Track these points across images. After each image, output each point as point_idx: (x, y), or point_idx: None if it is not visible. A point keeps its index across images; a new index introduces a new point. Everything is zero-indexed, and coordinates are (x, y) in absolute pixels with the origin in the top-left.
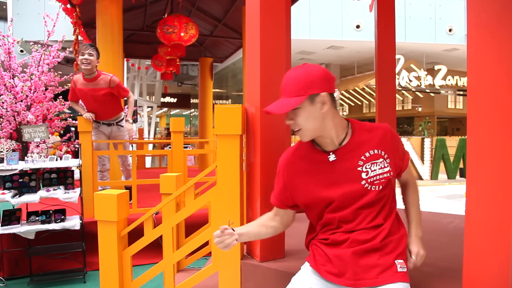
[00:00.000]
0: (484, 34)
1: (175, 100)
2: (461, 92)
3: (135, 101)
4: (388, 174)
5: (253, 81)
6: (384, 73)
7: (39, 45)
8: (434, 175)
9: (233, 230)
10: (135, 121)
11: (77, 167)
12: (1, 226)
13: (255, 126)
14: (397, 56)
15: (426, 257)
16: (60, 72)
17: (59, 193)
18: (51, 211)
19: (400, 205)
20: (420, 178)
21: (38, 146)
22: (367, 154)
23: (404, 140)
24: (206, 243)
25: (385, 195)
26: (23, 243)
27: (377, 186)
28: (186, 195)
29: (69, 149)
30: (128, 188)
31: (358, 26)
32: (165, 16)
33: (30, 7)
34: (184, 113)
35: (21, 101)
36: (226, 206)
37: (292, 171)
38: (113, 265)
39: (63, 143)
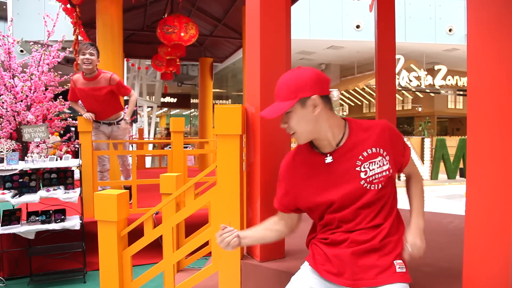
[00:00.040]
0: (484, 34)
1: (175, 100)
2: (461, 92)
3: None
4: (387, 172)
5: (253, 81)
6: (384, 73)
7: (39, 45)
8: (434, 175)
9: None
10: (135, 121)
11: (77, 167)
12: (1, 226)
13: (255, 126)
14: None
15: (426, 257)
16: (60, 72)
17: (59, 193)
18: (51, 211)
19: (401, 205)
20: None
21: (38, 146)
22: (365, 154)
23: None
24: (206, 243)
25: (385, 195)
26: (23, 243)
27: (376, 185)
28: (186, 195)
29: (69, 149)
30: (127, 188)
31: (358, 26)
32: (165, 16)
33: (30, 7)
34: (184, 113)
35: (21, 101)
36: (226, 206)
37: (292, 176)
38: (113, 265)
39: (63, 143)
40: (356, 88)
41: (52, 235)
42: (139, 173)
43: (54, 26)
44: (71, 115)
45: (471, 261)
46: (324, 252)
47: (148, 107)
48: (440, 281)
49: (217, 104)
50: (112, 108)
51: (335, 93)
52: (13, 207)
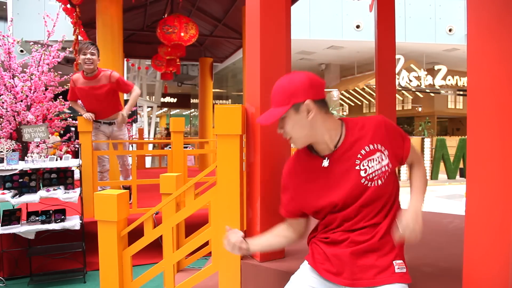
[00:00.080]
0: (484, 34)
1: (175, 100)
2: (461, 92)
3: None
4: (387, 168)
5: (253, 81)
6: (384, 73)
7: (39, 45)
8: (434, 175)
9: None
10: (134, 121)
11: (77, 167)
12: (1, 226)
13: (255, 126)
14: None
15: (426, 257)
16: (60, 72)
17: (59, 193)
18: (51, 211)
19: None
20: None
21: (38, 146)
22: (363, 152)
23: None
24: (206, 243)
25: (386, 192)
26: (23, 243)
27: (376, 182)
28: (186, 195)
29: (69, 149)
30: (126, 188)
31: (358, 26)
32: (165, 16)
33: (30, 7)
34: (184, 113)
35: (21, 101)
36: (226, 206)
37: (294, 182)
38: (113, 265)
39: (63, 143)
40: (356, 88)
41: (52, 235)
42: (139, 173)
43: (54, 26)
44: (71, 115)
45: (471, 261)
46: (323, 251)
47: (148, 107)
48: (440, 281)
49: (217, 104)
50: (113, 107)
51: (335, 93)
52: (13, 207)
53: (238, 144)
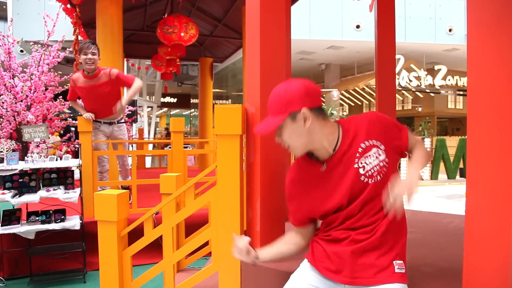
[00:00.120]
0: (484, 34)
1: (175, 100)
2: (461, 92)
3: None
4: (384, 163)
5: (253, 81)
6: (384, 73)
7: (39, 45)
8: (434, 175)
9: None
10: (134, 121)
11: (77, 167)
12: (1, 226)
13: (255, 126)
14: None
15: (426, 257)
16: (60, 72)
17: (59, 193)
18: (51, 211)
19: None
20: (420, 178)
21: (38, 146)
22: (360, 150)
23: None
24: (206, 243)
25: (386, 188)
26: (23, 243)
27: (375, 178)
28: (186, 195)
29: (69, 149)
30: (125, 188)
31: (358, 26)
32: (165, 16)
33: (30, 7)
34: (184, 113)
35: (21, 101)
36: (226, 206)
37: (298, 191)
38: (113, 265)
39: (63, 143)
40: (356, 88)
41: (52, 235)
42: (139, 173)
43: (54, 26)
44: (71, 115)
45: (471, 261)
46: (324, 249)
47: (148, 107)
48: (440, 281)
49: (217, 104)
50: (113, 104)
51: (335, 93)
52: (13, 207)
53: (238, 144)
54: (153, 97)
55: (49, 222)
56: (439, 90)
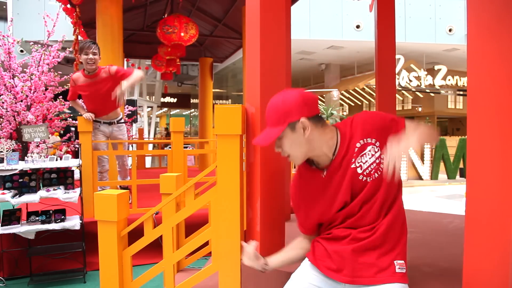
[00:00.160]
0: (484, 34)
1: (175, 100)
2: (461, 92)
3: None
4: (380, 159)
5: (253, 81)
6: (384, 73)
7: (39, 45)
8: (434, 175)
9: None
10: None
11: (77, 167)
12: (1, 226)
13: (255, 126)
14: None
15: (426, 257)
16: (60, 72)
17: (59, 193)
18: (51, 211)
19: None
20: (420, 178)
21: (38, 146)
22: (356, 150)
23: None
24: (206, 243)
25: (386, 188)
26: (23, 243)
27: (373, 175)
28: (186, 195)
29: (69, 149)
30: (124, 188)
31: (358, 26)
32: (165, 16)
33: (30, 7)
34: (184, 113)
35: (21, 101)
36: (226, 206)
37: (304, 201)
38: (113, 265)
39: (63, 143)
40: (356, 88)
41: (52, 235)
42: (139, 173)
43: (54, 26)
44: (71, 115)
45: (471, 261)
46: (325, 248)
47: (148, 107)
48: (440, 281)
49: (217, 104)
50: (114, 102)
51: (335, 93)
52: (13, 207)
53: (238, 144)
54: (153, 97)
55: (49, 222)
56: (439, 90)
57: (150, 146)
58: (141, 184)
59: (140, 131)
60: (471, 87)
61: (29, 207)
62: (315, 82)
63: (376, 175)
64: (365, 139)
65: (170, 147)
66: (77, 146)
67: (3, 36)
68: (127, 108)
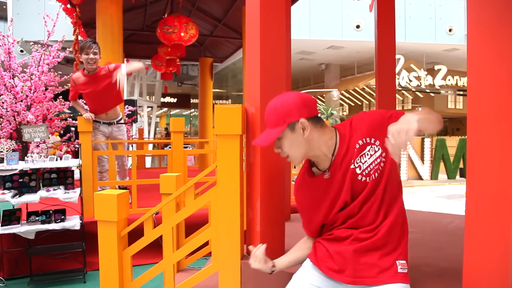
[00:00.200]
0: (484, 34)
1: (175, 100)
2: (461, 92)
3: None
4: (381, 158)
5: (253, 81)
6: (384, 73)
7: (39, 45)
8: (434, 175)
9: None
10: (134, 121)
11: (77, 167)
12: (1, 226)
13: (255, 126)
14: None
15: (426, 257)
16: (60, 72)
17: (59, 193)
18: (51, 211)
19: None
20: (420, 178)
21: (38, 146)
22: (355, 150)
23: None
24: (206, 243)
25: (385, 185)
26: (23, 243)
27: (373, 175)
28: (186, 195)
29: (69, 149)
30: (123, 188)
31: (358, 26)
32: (165, 16)
33: (30, 7)
34: (184, 113)
35: (21, 101)
36: (226, 206)
37: (307, 204)
38: (113, 265)
39: (63, 143)
40: (356, 88)
41: (52, 235)
42: (139, 173)
43: (54, 26)
44: (71, 115)
45: (471, 261)
46: (326, 248)
47: (148, 107)
48: (440, 281)
49: (217, 104)
50: (115, 98)
51: (335, 93)
52: (13, 207)
53: (238, 144)
54: (153, 97)
55: (49, 222)
56: (439, 90)
57: (150, 146)
58: (141, 184)
59: (140, 131)
60: (471, 87)
61: (29, 207)
62: (315, 82)
63: (376, 175)
64: (364, 139)
65: (170, 147)
66: (77, 146)
67: (3, 36)
68: (127, 108)
